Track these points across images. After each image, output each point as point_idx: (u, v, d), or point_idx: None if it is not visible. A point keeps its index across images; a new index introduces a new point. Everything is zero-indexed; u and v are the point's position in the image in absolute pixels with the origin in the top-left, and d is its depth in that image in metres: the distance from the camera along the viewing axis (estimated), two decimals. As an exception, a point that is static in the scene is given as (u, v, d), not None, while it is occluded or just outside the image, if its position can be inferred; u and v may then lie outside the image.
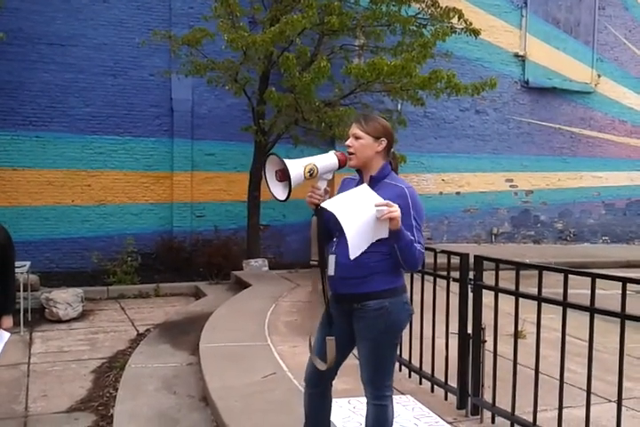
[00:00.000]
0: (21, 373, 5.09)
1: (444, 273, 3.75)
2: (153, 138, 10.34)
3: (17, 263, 7.02)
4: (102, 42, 9.94)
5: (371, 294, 2.50)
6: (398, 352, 4.24)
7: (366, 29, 9.17)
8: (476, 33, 9.00)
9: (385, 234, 2.37)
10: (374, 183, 2.57)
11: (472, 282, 3.53)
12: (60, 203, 9.82)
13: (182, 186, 10.45)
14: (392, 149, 2.67)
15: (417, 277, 4.06)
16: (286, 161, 2.38)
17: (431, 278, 3.91)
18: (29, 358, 5.54)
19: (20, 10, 9.31)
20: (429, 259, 3.91)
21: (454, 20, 8.93)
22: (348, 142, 2.60)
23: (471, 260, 3.57)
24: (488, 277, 3.50)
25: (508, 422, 3.22)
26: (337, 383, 3.22)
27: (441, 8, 8.90)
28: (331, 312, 2.62)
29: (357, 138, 2.57)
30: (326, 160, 2.52)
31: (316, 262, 2.55)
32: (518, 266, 3.27)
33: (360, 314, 2.53)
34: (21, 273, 6.68)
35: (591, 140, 13.79)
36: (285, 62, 7.89)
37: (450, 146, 12.43)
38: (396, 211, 2.31)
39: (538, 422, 3.07)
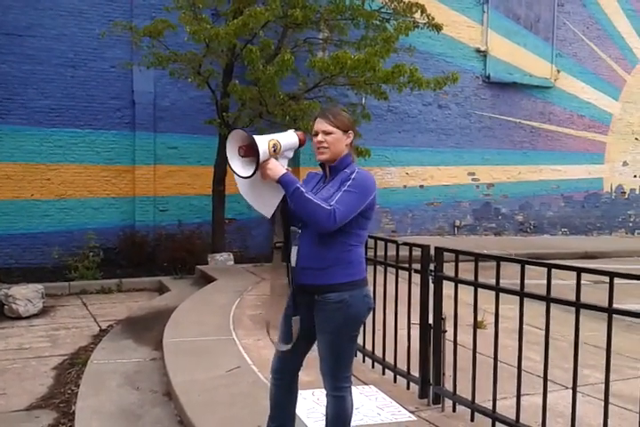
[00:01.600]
0: (-21, 371, 4.98)
1: (406, 265, 3.79)
2: (114, 131, 10.17)
3: (-27, 259, 6.91)
4: (61, 32, 9.73)
5: (330, 285, 2.51)
6: (362, 343, 4.29)
7: (330, 23, 9.16)
8: (438, 28, 9.09)
9: (280, 189, 2.46)
10: (333, 173, 2.62)
11: (433, 273, 3.58)
12: (19, 197, 9.60)
13: (144, 180, 10.31)
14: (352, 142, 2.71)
15: (380, 268, 4.10)
16: (255, 137, 2.36)
17: (394, 270, 3.96)
18: (-12, 355, 5.42)
19: (-26, -1, 9.06)
20: (392, 251, 3.97)
21: (417, 15, 9.00)
22: (318, 138, 2.59)
23: (432, 251, 3.62)
24: (449, 269, 3.56)
25: (469, 411, 3.29)
26: (301, 376, 3.24)
27: (404, 2, 8.95)
28: (295, 306, 2.63)
29: (328, 133, 2.58)
30: (288, 138, 2.53)
31: (281, 244, 2.59)
32: (477, 257, 3.33)
33: (320, 306, 2.55)
34: (-22, 269, 6.53)
35: (550, 134, 14.07)
36: (249, 55, 7.85)
37: (413, 140, 12.54)
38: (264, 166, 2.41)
39: (497, 410, 3.14)
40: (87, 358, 5.01)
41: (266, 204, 2.55)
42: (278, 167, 2.43)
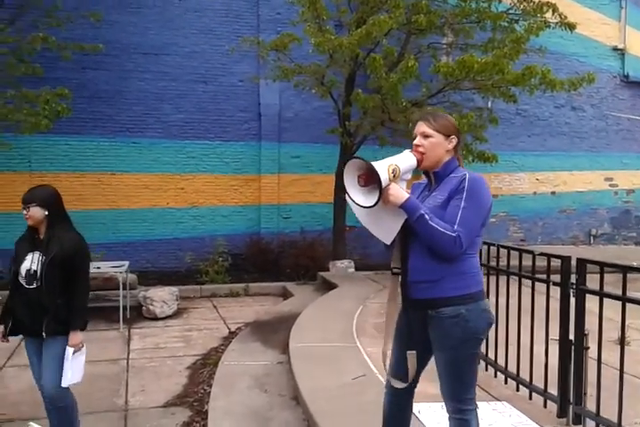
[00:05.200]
0: (121, 368, 5.32)
1: (544, 276, 3.57)
2: (242, 142, 10.58)
3: (116, 263, 7.46)
4: (193, 50, 10.28)
5: (444, 299, 2.34)
6: (494, 358, 4.11)
7: (455, 27, 8.98)
8: (571, 27, 8.63)
9: (401, 214, 2.34)
10: (439, 179, 2.47)
11: (574, 286, 3.35)
12: (156, 205, 10.23)
13: (269, 188, 10.64)
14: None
15: (513, 280, 3.91)
16: (374, 163, 2.25)
17: (529, 282, 3.75)
18: (128, 353, 5.79)
19: (116, 22, 9.78)
20: (527, 261, 3.76)
21: (548, 15, 8.59)
22: (416, 142, 2.45)
23: (573, 263, 3.38)
24: (589, 281, 3.32)
25: (615, 434, 3.03)
26: (429, 388, 3.15)
27: (533, 2, 8.56)
28: (409, 322, 2.50)
29: (427, 136, 2.44)
30: (406, 160, 2.39)
31: (398, 271, 2.47)
32: (625, 269, 3.08)
33: (435, 322, 2.38)
34: (120, 273, 7.04)
35: (698, 137, 12.88)
36: (372, 63, 7.85)
37: (544, 144, 11.99)
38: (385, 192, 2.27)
39: (649, 436, 2.87)
40: (218, 359, 5.22)
41: (386, 230, 2.44)
42: (400, 192, 2.31)
